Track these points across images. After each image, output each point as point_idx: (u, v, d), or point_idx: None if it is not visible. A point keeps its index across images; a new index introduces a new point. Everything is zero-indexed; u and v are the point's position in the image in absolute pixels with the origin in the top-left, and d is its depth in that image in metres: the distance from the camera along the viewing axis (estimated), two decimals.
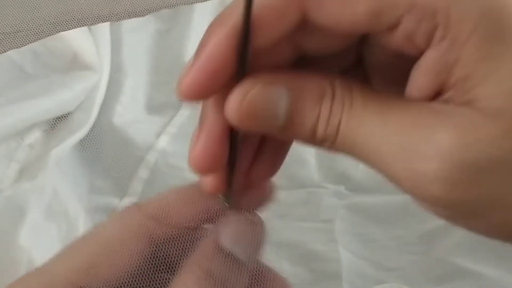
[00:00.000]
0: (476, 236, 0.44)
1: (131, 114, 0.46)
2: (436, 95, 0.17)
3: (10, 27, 0.49)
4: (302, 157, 0.45)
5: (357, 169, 0.45)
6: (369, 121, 0.17)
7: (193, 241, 0.22)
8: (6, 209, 0.39)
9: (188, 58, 0.49)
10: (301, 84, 0.18)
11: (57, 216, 0.40)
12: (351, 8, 0.16)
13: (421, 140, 0.16)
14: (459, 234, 0.42)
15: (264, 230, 0.22)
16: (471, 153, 0.15)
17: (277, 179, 0.45)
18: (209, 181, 0.21)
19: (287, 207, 0.44)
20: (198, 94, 0.18)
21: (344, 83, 0.18)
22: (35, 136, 0.42)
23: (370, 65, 0.20)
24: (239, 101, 0.17)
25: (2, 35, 0.48)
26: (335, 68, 0.20)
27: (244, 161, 0.22)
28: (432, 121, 0.16)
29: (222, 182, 0.21)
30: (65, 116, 0.44)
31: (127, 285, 0.21)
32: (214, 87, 0.18)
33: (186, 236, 0.22)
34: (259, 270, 0.22)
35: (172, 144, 0.45)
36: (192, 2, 0.51)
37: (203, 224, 0.22)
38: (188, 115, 0.47)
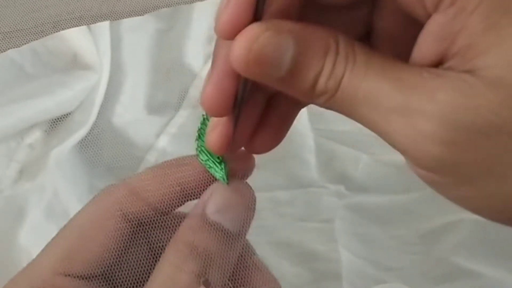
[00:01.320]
0: (476, 236, 0.44)
1: (131, 114, 0.46)
2: (439, 63, 0.17)
3: (10, 26, 0.49)
4: (302, 157, 0.45)
5: (357, 169, 0.45)
6: (372, 77, 0.17)
7: (175, 217, 0.22)
8: (6, 209, 0.39)
9: (188, 58, 0.49)
10: (308, 36, 0.18)
11: (57, 216, 0.40)
12: None
13: (423, 98, 0.16)
14: (459, 234, 0.42)
15: (253, 199, 0.22)
16: (471, 116, 0.16)
17: (277, 179, 0.45)
18: (215, 138, 0.21)
19: (287, 207, 0.44)
20: (234, 31, 0.18)
21: (347, 39, 0.18)
22: (35, 136, 0.42)
23: (378, 33, 0.21)
24: (249, 45, 0.18)
25: (2, 34, 0.48)
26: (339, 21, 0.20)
27: (246, 127, 0.22)
28: (434, 83, 0.16)
29: (227, 141, 0.21)
30: (65, 116, 0.44)
31: (112, 265, 0.21)
32: (245, 21, 0.18)
33: (165, 212, 0.22)
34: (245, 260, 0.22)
35: (172, 144, 0.45)
36: (192, 1, 0.51)
37: (179, 197, 0.22)
38: (188, 115, 0.47)
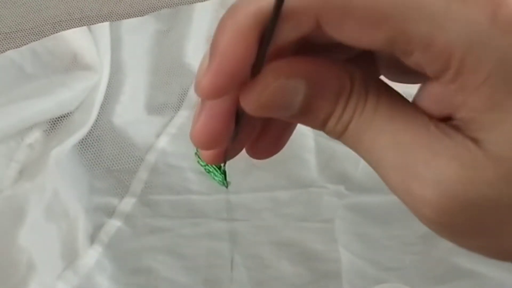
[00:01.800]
0: None
1: (131, 114, 0.46)
2: (445, 118, 0.17)
3: (10, 27, 0.49)
4: (302, 157, 0.45)
5: (357, 169, 0.45)
6: (377, 126, 0.17)
7: None
8: (6, 209, 0.39)
9: (188, 58, 0.49)
10: (321, 77, 0.18)
11: (57, 216, 0.40)
12: (368, 35, 0.16)
13: (421, 161, 0.16)
14: None
15: None
16: (469, 189, 0.16)
17: (277, 179, 0.45)
18: (207, 153, 0.21)
19: (287, 207, 0.44)
20: (218, 93, 0.17)
21: (362, 79, 0.18)
22: (35, 136, 0.42)
23: (379, 61, 0.20)
24: (260, 93, 0.17)
25: (2, 35, 0.48)
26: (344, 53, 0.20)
27: (246, 134, 0.22)
28: (436, 145, 0.16)
29: (220, 155, 0.21)
30: (65, 116, 0.44)
31: None
32: (234, 84, 0.17)
33: None
34: None
35: (172, 144, 0.45)
36: (192, 2, 0.51)
37: None
38: (188, 115, 0.47)
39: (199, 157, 0.23)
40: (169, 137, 0.46)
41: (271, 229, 0.42)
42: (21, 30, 0.49)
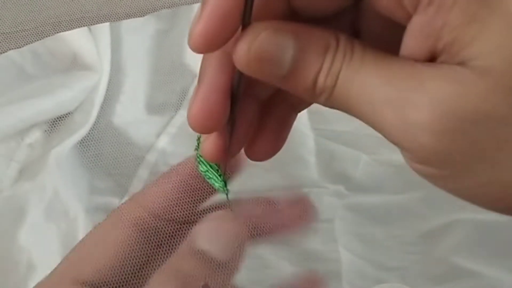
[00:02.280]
0: (476, 236, 0.44)
1: (131, 114, 0.46)
2: (430, 60, 0.17)
3: (10, 27, 0.49)
4: (302, 157, 0.45)
5: (357, 169, 0.45)
6: (365, 71, 0.17)
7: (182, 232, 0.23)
8: (6, 209, 0.39)
9: (188, 58, 0.49)
10: (308, 34, 0.18)
11: (57, 216, 0.40)
12: None
13: (414, 88, 0.17)
14: (459, 234, 0.42)
15: (243, 225, 0.23)
16: (459, 103, 0.16)
17: (277, 179, 0.45)
18: (209, 147, 0.21)
19: None
20: (210, 44, 0.18)
21: (347, 37, 0.18)
22: (35, 136, 0.42)
23: (364, 33, 0.21)
24: (249, 44, 0.18)
25: (2, 35, 0.48)
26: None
27: (241, 133, 0.22)
28: (425, 73, 0.17)
29: (221, 149, 0.21)
30: (65, 116, 0.44)
31: (118, 275, 0.21)
32: (224, 36, 0.18)
33: (174, 226, 0.23)
34: None
35: (172, 144, 0.45)
36: (192, 2, 0.51)
37: (176, 198, 0.23)
38: None
39: (199, 163, 0.23)
40: (169, 137, 0.46)
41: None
42: (22, 30, 0.49)
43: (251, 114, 0.22)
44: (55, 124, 0.43)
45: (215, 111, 0.19)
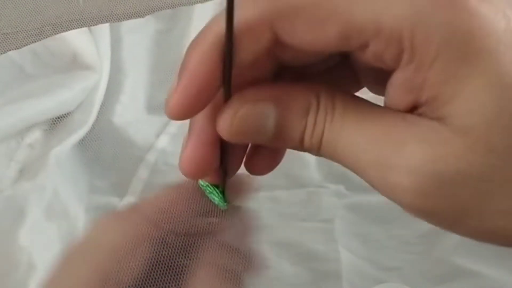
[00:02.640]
0: None
1: (131, 114, 0.46)
2: (411, 109, 0.18)
3: (10, 27, 0.49)
4: (302, 157, 0.45)
5: None
6: (347, 131, 0.18)
7: (195, 243, 0.23)
8: (6, 209, 0.39)
9: None
10: (287, 98, 0.19)
11: (57, 216, 0.40)
12: (320, 33, 0.17)
13: (393, 152, 0.17)
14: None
15: (254, 224, 0.23)
16: (439, 166, 0.16)
17: (277, 179, 0.45)
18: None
19: (287, 207, 0.44)
20: (186, 113, 0.18)
21: (328, 93, 0.19)
22: (35, 136, 0.42)
23: (362, 77, 0.21)
24: (230, 120, 0.18)
25: (2, 35, 0.48)
26: (320, 71, 0.21)
27: (240, 152, 0.22)
28: (405, 134, 0.17)
29: (216, 179, 0.22)
30: (65, 116, 0.44)
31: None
32: (201, 104, 0.18)
33: (186, 239, 0.23)
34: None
35: (172, 144, 0.45)
36: (192, 3, 0.51)
37: (199, 219, 0.23)
38: None
39: None
40: (169, 136, 0.46)
41: (271, 229, 0.42)
42: (22, 30, 0.49)
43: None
44: (55, 124, 0.44)
45: (204, 162, 0.20)
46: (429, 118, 0.17)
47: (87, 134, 0.43)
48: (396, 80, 0.17)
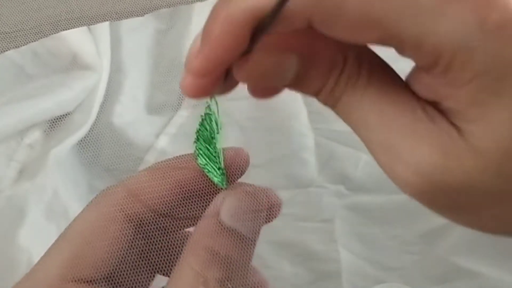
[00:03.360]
0: (476, 236, 0.44)
1: (131, 114, 0.46)
2: (433, 102, 0.18)
3: (10, 26, 0.49)
4: (302, 157, 0.45)
5: (357, 169, 0.45)
6: (366, 104, 0.18)
7: (174, 219, 0.23)
8: (6, 209, 0.39)
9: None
10: (313, 52, 0.18)
11: (57, 216, 0.40)
12: (359, 35, 0.17)
13: (406, 146, 0.17)
14: (459, 234, 0.42)
15: (263, 199, 0.22)
16: (447, 176, 0.17)
17: (277, 179, 0.45)
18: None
19: (287, 207, 0.44)
20: (206, 75, 0.18)
21: (356, 57, 0.18)
22: (35, 136, 0.42)
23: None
24: (252, 68, 0.18)
25: (2, 35, 0.48)
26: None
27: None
28: (421, 130, 0.17)
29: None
30: (65, 116, 0.44)
31: (116, 268, 0.21)
32: (222, 68, 0.18)
33: (164, 213, 0.22)
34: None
35: (171, 144, 0.45)
36: (191, 2, 0.51)
37: (178, 199, 0.22)
38: (188, 115, 0.47)
39: (198, 156, 0.23)
40: (169, 137, 0.46)
41: (271, 229, 0.42)
42: (21, 29, 0.49)
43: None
44: (55, 124, 0.43)
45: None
46: (448, 122, 0.17)
47: (86, 134, 0.43)
48: (422, 78, 0.17)
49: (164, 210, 0.22)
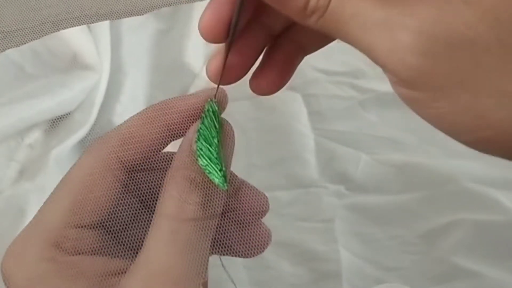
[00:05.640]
0: (476, 236, 0.44)
1: (131, 114, 0.46)
2: None
3: (10, 26, 0.49)
4: (302, 157, 0.45)
5: (357, 169, 0.45)
6: None
7: (165, 160, 0.23)
8: (6, 209, 0.39)
9: (188, 58, 0.49)
10: None
11: None
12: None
13: (404, 12, 0.18)
14: (459, 234, 0.42)
15: (233, 133, 0.23)
16: (447, 29, 0.17)
17: (277, 179, 0.45)
18: (213, 66, 0.23)
19: (287, 207, 0.44)
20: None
21: None
22: (35, 136, 0.42)
23: None
24: None
25: (2, 34, 0.48)
26: None
27: (246, 58, 0.23)
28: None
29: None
30: (65, 116, 0.44)
31: (111, 213, 0.22)
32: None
33: (156, 157, 0.23)
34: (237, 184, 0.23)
35: (171, 144, 0.45)
36: (192, 1, 0.51)
37: (167, 139, 0.23)
38: None
39: (199, 156, 0.23)
40: None
41: (271, 229, 0.42)
42: (21, 29, 0.49)
43: (259, 41, 0.23)
44: (55, 124, 0.43)
45: (224, 20, 0.21)
46: None
47: (87, 134, 0.43)
48: None
49: (155, 152, 0.23)
